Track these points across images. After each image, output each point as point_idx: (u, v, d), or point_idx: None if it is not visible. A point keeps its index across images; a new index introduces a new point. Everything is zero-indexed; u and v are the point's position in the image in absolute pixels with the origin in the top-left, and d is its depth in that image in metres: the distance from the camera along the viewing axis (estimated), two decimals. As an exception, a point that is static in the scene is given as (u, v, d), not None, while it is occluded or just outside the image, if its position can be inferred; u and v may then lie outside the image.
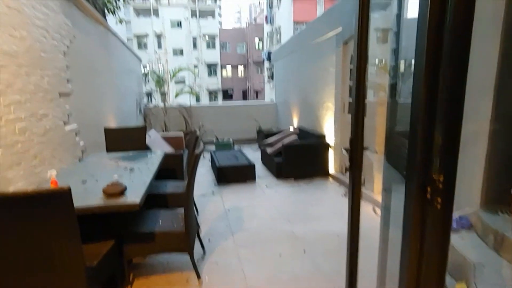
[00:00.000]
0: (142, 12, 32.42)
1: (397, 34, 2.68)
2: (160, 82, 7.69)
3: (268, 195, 4.41)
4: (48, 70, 2.71)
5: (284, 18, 24.13)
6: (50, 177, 2.24)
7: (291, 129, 6.96)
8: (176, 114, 7.83)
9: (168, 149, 5.35)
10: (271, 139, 5.76)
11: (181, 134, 5.94)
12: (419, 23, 1.17)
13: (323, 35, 5.43)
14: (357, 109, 1.70)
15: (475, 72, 1.62)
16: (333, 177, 5.12)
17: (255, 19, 39.01)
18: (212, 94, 35.31)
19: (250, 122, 8.21)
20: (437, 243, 1.13)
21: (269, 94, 28.33)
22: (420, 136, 1.13)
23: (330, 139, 5.27)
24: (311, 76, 6.17)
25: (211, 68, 34.61)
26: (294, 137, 5.61)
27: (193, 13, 32.72)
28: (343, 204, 4.00)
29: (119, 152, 3.63)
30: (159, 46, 32.16)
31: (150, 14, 31.68)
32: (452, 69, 1.06)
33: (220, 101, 35.34)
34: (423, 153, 1.12)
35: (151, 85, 8.07)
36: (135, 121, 6.73)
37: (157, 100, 8.66)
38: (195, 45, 33.06)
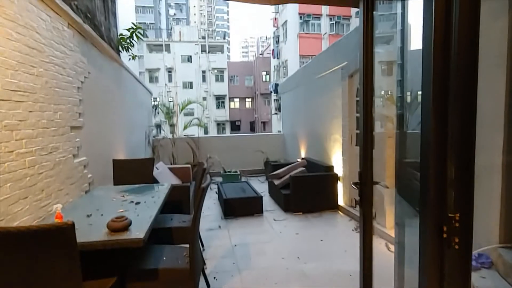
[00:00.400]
0: (155, 48, 34.01)
1: (402, 66, 2.71)
2: (169, 114, 7.85)
3: (276, 230, 4.28)
4: (62, 105, 2.79)
5: (290, 52, 24.95)
6: (55, 211, 2.23)
7: (299, 160, 6.92)
8: (184, 145, 7.90)
9: (175, 181, 5.34)
10: (278, 171, 5.71)
11: (189, 166, 5.94)
12: (424, 54, 1.17)
13: (329, 68, 5.55)
14: (365, 141, 1.68)
15: (484, 104, 1.60)
16: (342, 210, 4.98)
17: (262, 53, 40.44)
18: (220, 126, 35.84)
19: (257, 153, 8.22)
20: (457, 285, 1.05)
21: (276, 125, 28.63)
22: (432, 170, 1.10)
23: (339, 170, 5.20)
24: (318, 109, 6.23)
25: (219, 100, 35.44)
26: (301, 168, 5.55)
27: (203, 48, 34.17)
28: (354, 239, 3.85)
29: (126, 185, 3.62)
30: (170, 79, 33.33)
31: (162, 49, 33.16)
32: (461, 99, 1.04)
33: (228, 132, 35.78)
34: (437, 188, 1.08)
35: (160, 117, 8.23)
36: (144, 153, 6.79)
37: (166, 131, 8.79)
38: (204, 78, 34.16)
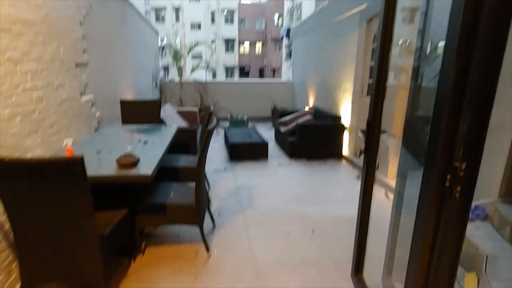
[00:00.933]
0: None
1: (426, 14, 2.51)
2: (177, 56, 7.62)
3: (280, 175, 4.40)
4: (65, 40, 2.70)
5: (306, -7, 23.14)
6: (66, 145, 2.29)
7: (307, 109, 6.84)
8: (191, 89, 7.81)
9: (183, 123, 5.38)
10: (285, 118, 5.69)
11: (196, 109, 5.93)
12: (454, 3, 1.06)
13: (346, 12, 5.17)
14: (377, 90, 1.62)
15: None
16: (346, 159, 5.04)
17: (275, -6, 37.64)
18: (229, 71, 34.98)
19: (265, 100, 8.12)
20: (452, 233, 1.09)
21: (286, 72, 27.77)
22: (445, 122, 1.06)
23: (346, 121, 5.15)
24: (331, 56, 5.96)
25: (229, 44, 34.08)
26: (309, 117, 5.51)
27: (213, -14, 31.86)
28: (356, 187, 3.95)
29: (134, 124, 3.67)
30: (177, 19, 31.74)
31: (168, -14, 31.03)
32: (488, 53, 0.96)
33: (236, 78, 35.03)
34: (446, 140, 1.05)
35: (168, 59, 7.99)
36: (151, 95, 6.75)
37: (173, 74, 8.63)
38: (213, 20, 32.44)
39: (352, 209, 3.36)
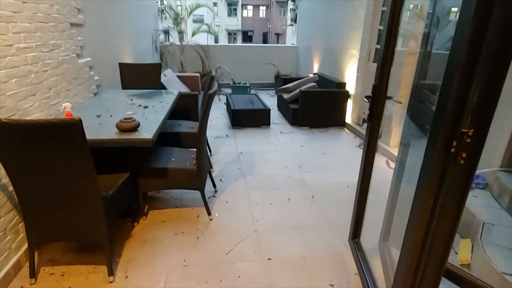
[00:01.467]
0: None
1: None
2: (177, 19, 7.32)
3: (281, 142, 4.39)
4: (58, -3, 2.57)
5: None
6: (64, 109, 2.26)
7: (311, 75, 6.68)
8: (193, 54, 7.58)
9: (184, 89, 5.29)
10: (289, 85, 5.56)
11: (197, 75, 5.80)
12: None
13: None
14: (385, 55, 1.55)
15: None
16: (349, 127, 5.00)
17: (281, -49, 35.36)
18: (231, 35, 33.85)
19: (268, 66, 7.90)
20: (453, 199, 1.08)
21: (291, 38, 26.86)
22: (455, 88, 1.00)
23: (351, 88, 5.04)
24: (338, 20, 5.69)
25: (231, 7, 32.65)
26: (313, 84, 5.39)
27: None
28: (357, 154, 3.96)
29: (134, 89, 3.60)
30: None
31: None
32: (504, 22, 0.88)
33: (239, 42, 33.97)
34: (455, 105, 1.01)
35: (168, 23, 7.68)
36: (151, 59, 6.57)
37: (174, 38, 8.35)
38: (215, -20, 30.82)
39: (352, 176, 3.39)
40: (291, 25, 26.21)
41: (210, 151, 3.86)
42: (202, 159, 2.50)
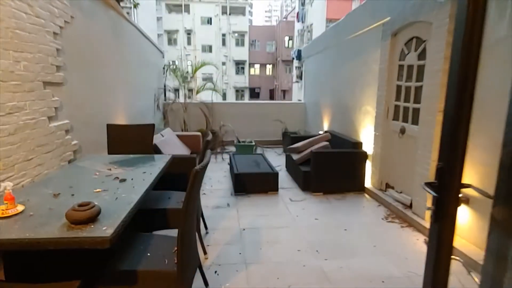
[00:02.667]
0: (174, 8, 32.61)
1: None
2: (182, 76, 7.19)
3: (292, 213, 3.72)
4: (27, 53, 2.20)
5: (317, 15, 23.17)
6: (4, 190, 1.71)
7: (321, 133, 6.22)
8: (197, 111, 7.31)
9: (183, 150, 4.81)
10: (298, 144, 5.05)
11: (199, 134, 5.39)
12: None
13: (365, 27, 4.65)
14: (455, 117, 0.98)
15: None
16: (369, 193, 4.33)
17: (285, 17, 38.14)
18: (239, 92, 34.94)
19: (275, 123, 7.53)
20: None
21: (297, 94, 27.42)
22: None
23: (368, 148, 4.49)
24: (348, 75, 5.39)
25: (239, 66, 34.25)
26: (324, 143, 4.87)
27: (224, 10, 32.46)
28: (386, 232, 3.24)
29: (121, 154, 3.10)
30: (189, 42, 32.22)
31: (182, 10, 31.80)
32: None
33: (246, 99, 34.92)
34: None
35: (176, 81, 7.55)
36: (152, 118, 6.27)
37: (181, 96, 8.21)
38: (224, 42, 32.83)
39: (386, 265, 2.66)
40: (297, 81, 26.94)
41: (206, 228, 3.19)
42: (187, 251, 1.85)
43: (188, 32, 32.18)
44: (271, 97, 36.69)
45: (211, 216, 3.52)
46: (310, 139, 5.08)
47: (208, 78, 32.35)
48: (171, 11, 32.90)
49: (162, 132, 4.81)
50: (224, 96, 33.68)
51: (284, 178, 5.03)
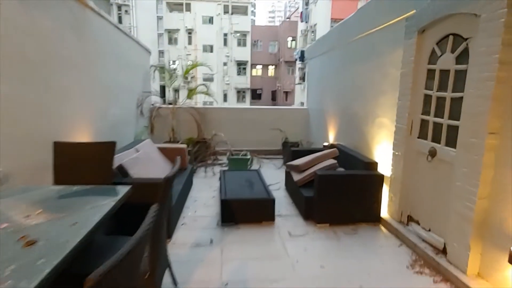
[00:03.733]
0: (175, 7, 31.92)
1: None
2: (172, 77, 6.43)
3: (291, 255, 2.94)
4: None
5: (321, 15, 22.39)
6: None
7: (326, 145, 5.44)
8: (188, 117, 6.54)
9: (163, 168, 4.05)
10: (299, 162, 4.27)
11: (184, 146, 4.62)
12: None
13: (381, 23, 3.86)
14: None
15: None
16: (387, 225, 3.54)
17: (289, 17, 37.38)
18: (240, 93, 34.18)
19: (274, 131, 6.75)
20: None
21: (300, 96, 26.63)
22: None
23: (385, 169, 3.70)
24: (358, 80, 4.61)
25: (241, 67, 33.48)
26: (331, 161, 4.08)
27: (226, 10, 31.72)
28: (413, 284, 2.46)
29: (68, 184, 2.33)
30: (190, 42, 31.49)
31: (183, 9, 31.12)
32: None
33: (248, 100, 34.19)
34: None
35: (166, 83, 6.77)
36: (134, 127, 5.51)
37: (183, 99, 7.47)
38: (225, 42, 32.09)
39: None
40: (300, 83, 26.17)
41: (176, 283, 2.41)
42: None
43: (189, 32, 31.47)
44: (273, 98, 35.95)
45: (187, 261, 2.75)
46: (314, 155, 4.28)
47: (209, 79, 31.70)
48: (172, 10, 32.22)
49: (139, 145, 4.05)
50: (225, 97, 32.94)
51: (282, 201, 4.26)
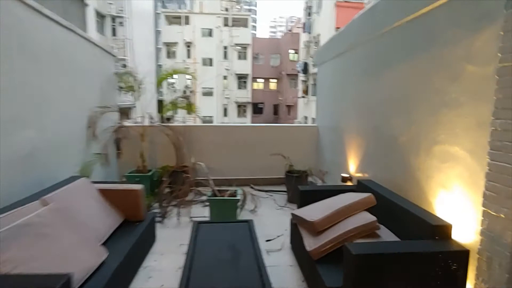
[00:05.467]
0: (174, 20, 31.08)
1: None
2: (138, 85, 4.96)
3: None
4: None
5: (325, 24, 21.23)
6: None
7: (345, 176, 3.92)
8: (164, 139, 5.05)
9: (104, 222, 2.53)
10: (313, 212, 2.70)
11: (138, 187, 3.08)
12: None
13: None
14: None
15: None
16: None
17: (290, 29, 36.47)
18: (241, 108, 32.86)
19: (276, 154, 5.22)
20: None
21: (303, 110, 25.21)
22: None
23: (464, 234, 2.14)
24: (399, 86, 3.11)
25: (241, 80, 32.32)
26: (367, 217, 2.50)
27: (226, 22, 30.82)
28: None
29: None
30: (189, 55, 30.44)
31: (182, 22, 30.28)
32: None
33: (249, 115, 32.85)
34: None
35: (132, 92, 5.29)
36: (82, 156, 4.00)
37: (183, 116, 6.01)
38: (225, 55, 31.03)
39: None
40: (303, 96, 24.81)
41: None
42: None
43: (188, 45, 30.48)
44: (275, 112, 34.63)
45: None
46: (336, 203, 2.71)
47: (208, 93, 30.47)
48: (171, 23, 31.35)
49: (58, 192, 2.53)
50: (225, 111, 31.57)
51: (284, 271, 2.69)
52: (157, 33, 30.19)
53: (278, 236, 3.49)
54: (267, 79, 34.63)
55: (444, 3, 2.43)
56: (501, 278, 1.88)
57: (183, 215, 3.96)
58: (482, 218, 2.00)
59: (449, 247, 2.07)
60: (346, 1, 20.31)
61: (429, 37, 2.63)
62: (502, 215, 1.86)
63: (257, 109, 34.32)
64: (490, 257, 1.95)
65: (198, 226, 3.01)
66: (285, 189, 5.11)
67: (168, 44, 30.78)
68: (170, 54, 30.83)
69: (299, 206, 3.19)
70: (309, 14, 24.60)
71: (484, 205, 1.99)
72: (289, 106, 32.19)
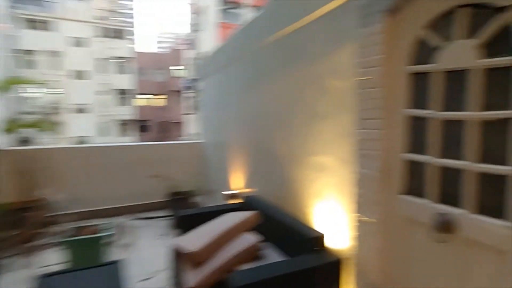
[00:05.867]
0: (37, 25, 26.31)
1: None
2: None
3: None
4: None
5: (210, 42, 21.70)
6: None
7: (227, 193, 3.76)
8: (8, 167, 3.87)
9: None
10: (194, 241, 2.37)
11: None
12: None
13: (315, 8, 2.49)
14: None
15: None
16: None
17: (177, 45, 35.93)
18: (126, 126, 30.00)
19: (156, 175, 4.68)
20: None
21: (195, 127, 24.79)
22: None
23: (338, 239, 2.19)
24: (276, 100, 3.15)
25: (123, 96, 29.65)
26: (250, 239, 2.32)
27: (105, 33, 28.00)
28: None
29: None
30: (55, 67, 26.13)
31: (44, 27, 25.98)
32: None
33: (134, 134, 30.28)
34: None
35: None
36: None
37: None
38: (103, 69, 28.01)
39: None
40: (192, 113, 24.48)
41: None
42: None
43: (55, 55, 26.20)
44: (165, 130, 33.06)
45: None
46: (219, 226, 2.45)
47: (82, 110, 26.77)
48: (31, 27, 26.35)
49: None
50: (104, 130, 28.20)
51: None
52: (9, 37, 24.95)
53: (158, 272, 2.99)
54: (155, 95, 32.96)
55: (314, 20, 2.55)
56: (371, 281, 1.94)
57: (30, 266, 3.01)
58: (355, 224, 2.06)
59: (323, 259, 2.06)
60: (226, 22, 21.43)
61: (302, 51, 2.72)
62: (368, 219, 1.95)
63: (143, 127, 32.06)
64: (362, 262, 2.01)
65: (42, 281, 2.25)
66: (170, 214, 4.61)
67: (28, 52, 25.71)
68: (31, 64, 25.81)
69: (181, 233, 2.81)
70: (195, 31, 24.80)
71: (355, 211, 2.06)
72: (176, 123, 31.29)
